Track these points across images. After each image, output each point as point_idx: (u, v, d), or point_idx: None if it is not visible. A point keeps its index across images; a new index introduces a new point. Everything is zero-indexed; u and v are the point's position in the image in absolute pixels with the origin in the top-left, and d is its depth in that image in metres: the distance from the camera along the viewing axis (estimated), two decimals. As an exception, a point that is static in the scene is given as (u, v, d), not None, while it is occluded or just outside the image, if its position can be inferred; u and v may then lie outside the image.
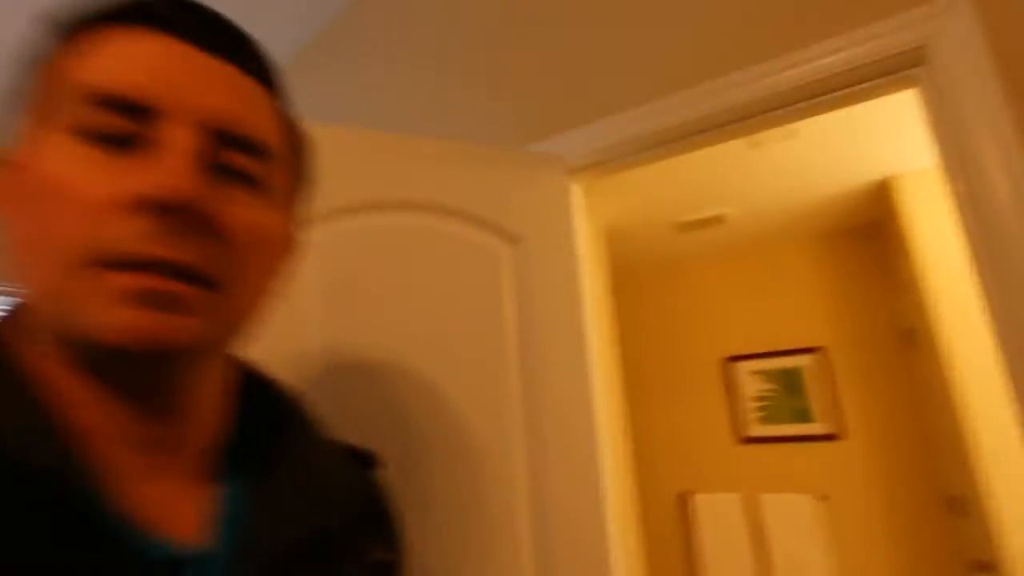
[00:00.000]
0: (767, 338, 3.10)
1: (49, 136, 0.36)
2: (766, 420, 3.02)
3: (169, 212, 0.34)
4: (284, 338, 0.88)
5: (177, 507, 0.40)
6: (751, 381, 3.10)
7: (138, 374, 0.37)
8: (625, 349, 3.53)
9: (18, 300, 0.40)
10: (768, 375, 3.06)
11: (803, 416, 2.94)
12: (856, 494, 2.76)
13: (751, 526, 2.91)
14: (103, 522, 0.34)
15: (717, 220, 2.73)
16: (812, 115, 1.07)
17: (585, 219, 1.31)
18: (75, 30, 0.38)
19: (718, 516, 3.01)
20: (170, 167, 0.34)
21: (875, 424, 2.78)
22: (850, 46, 0.99)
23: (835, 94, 1.03)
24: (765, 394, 3.05)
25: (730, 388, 3.16)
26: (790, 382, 2.99)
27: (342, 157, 1.03)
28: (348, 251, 0.99)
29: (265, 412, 0.48)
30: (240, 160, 0.39)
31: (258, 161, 0.40)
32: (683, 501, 3.16)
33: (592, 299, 1.24)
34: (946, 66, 0.92)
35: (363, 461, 0.56)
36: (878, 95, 1.02)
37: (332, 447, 0.52)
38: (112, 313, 0.33)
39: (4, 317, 0.40)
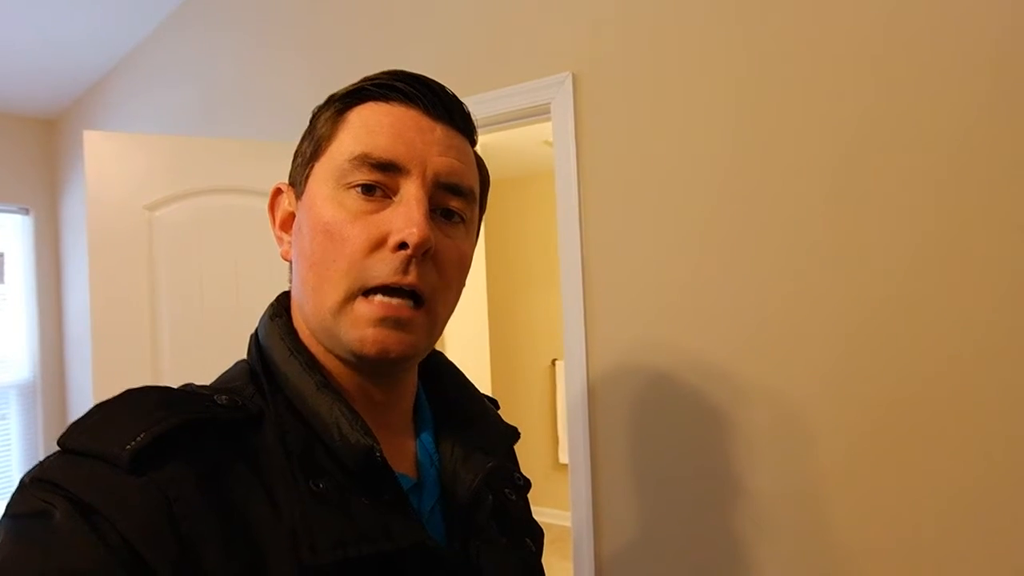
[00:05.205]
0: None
1: (323, 185, 0.48)
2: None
3: (410, 249, 0.44)
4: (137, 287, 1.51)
5: (398, 450, 0.52)
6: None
7: (378, 368, 0.50)
8: (513, 246, 4.15)
9: (286, 292, 0.54)
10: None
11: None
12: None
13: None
14: (385, 465, 0.46)
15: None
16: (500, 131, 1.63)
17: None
18: (342, 103, 0.50)
19: (572, 377, 3.83)
20: (412, 217, 0.44)
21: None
22: (516, 94, 1.53)
23: (511, 122, 1.58)
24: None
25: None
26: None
27: (177, 157, 1.57)
28: (187, 225, 1.58)
29: (436, 379, 0.61)
30: (454, 203, 0.49)
31: (464, 203, 0.50)
32: (553, 366, 3.99)
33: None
34: (558, 113, 1.47)
35: (495, 404, 0.67)
36: (533, 124, 1.60)
37: (484, 398, 0.63)
38: (365, 332, 0.45)
39: (281, 311, 0.52)
